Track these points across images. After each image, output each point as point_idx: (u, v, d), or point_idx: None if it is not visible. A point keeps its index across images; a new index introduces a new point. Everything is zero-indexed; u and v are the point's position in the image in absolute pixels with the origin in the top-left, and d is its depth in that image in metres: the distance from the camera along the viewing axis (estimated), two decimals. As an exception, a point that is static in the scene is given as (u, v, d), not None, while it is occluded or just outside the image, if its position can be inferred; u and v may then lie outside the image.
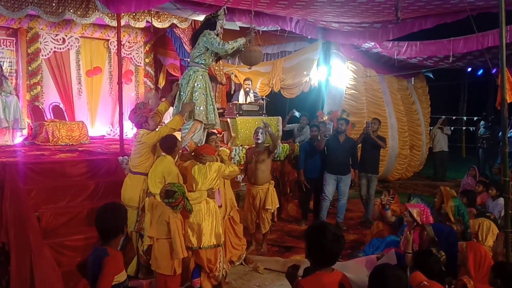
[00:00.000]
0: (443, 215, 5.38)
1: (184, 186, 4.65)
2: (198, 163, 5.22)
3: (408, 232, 4.86)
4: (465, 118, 16.92)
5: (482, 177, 8.11)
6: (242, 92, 9.22)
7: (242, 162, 7.22)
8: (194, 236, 4.97)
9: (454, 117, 14.92)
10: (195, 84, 5.83)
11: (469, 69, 13.41)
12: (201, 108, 5.81)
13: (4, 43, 9.63)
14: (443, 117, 13.11)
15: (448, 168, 12.66)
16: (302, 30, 9.31)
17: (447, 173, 12.51)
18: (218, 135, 6.43)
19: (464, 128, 16.77)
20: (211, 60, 6.05)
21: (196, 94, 5.79)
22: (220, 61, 7.80)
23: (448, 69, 11.63)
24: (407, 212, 4.93)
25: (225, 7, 6.18)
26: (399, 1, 4.34)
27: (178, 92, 5.95)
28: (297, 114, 9.45)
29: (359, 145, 8.12)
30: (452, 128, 13.52)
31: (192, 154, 5.51)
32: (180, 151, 5.55)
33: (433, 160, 12.65)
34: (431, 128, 13.02)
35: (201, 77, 5.86)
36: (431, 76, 13.39)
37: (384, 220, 6.11)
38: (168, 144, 5.15)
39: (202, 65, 5.93)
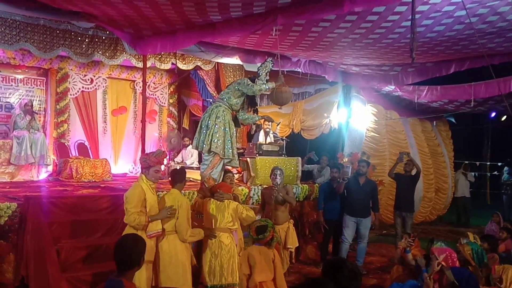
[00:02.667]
0: (463, 261, 5.25)
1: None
2: (215, 200, 5.26)
3: (428, 277, 4.75)
4: (488, 163, 16.61)
5: (506, 223, 7.89)
6: (262, 133, 9.31)
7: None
8: (211, 274, 4.97)
9: (478, 163, 14.67)
10: (216, 118, 5.93)
11: (493, 114, 13.28)
12: (219, 142, 5.87)
13: (35, 83, 10.01)
14: (466, 162, 12.93)
15: (472, 214, 12.36)
16: (323, 72, 9.45)
17: (471, 220, 12.19)
18: (235, 173, 6.46)
19: (488, 174, 16.45)
20: (237, 102, 6.14)
21: (216, 127, 5.88)
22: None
23: (470, 113, 11.57)
24: (433, 256, 4.83)
25: (270, 59, 6.34)
26: (414, 43, 4.42)
27: (199, 125, 6.06)
28: (314, 158, 9.52)
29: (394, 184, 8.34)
30: (475, 174, 13.29)
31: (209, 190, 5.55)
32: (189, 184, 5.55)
33: (456, 205, 12.40)
34: (454, 172, 12.83)
35: (222, 112, 5.97)
36: (453, 120, 13.31)
37: (405, 264, 5.96)
38: (177, 178, 5.11)
39: (227, 103, 6.05)
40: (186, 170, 5.57)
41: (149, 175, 4.85)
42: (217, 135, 5.87)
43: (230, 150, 5.96)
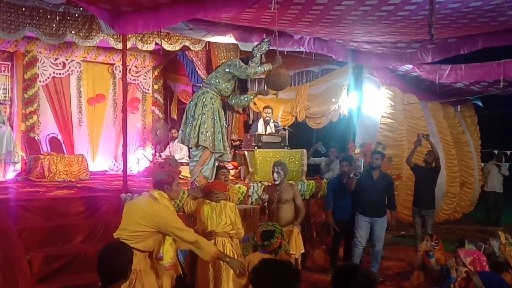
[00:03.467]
0: (497, 263, 5.27)
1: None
2: (209, 201, 5.26)
3: (453, 285, 4.79)
4: (522, 153, 16.62)
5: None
6: (261, 122, 9.31)
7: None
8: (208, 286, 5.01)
9: (509, 152, 14.69)
10: (203, 107, 5.90)
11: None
12: (208, 134, 5.84)
13: (-1, 68, 9.98)
14: (496, 151, 12.90)
15: (504, 211, 12.38)
16: (330, 51, 9.41)
17: (502, 217, 12.23)
18: (231, 169, 6.45)
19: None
20: (227, 87, 6.12)
21: (203, 117, 5.85)
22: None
23: (499, 96, 11.56)
24: (459, 259, 4.87)
25: (267, 39, 6.33)
26: (432, 17, 4.40)
27: (185, 116, 6.04)
28: (322, 150, 9.52)
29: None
30: (507, 164, 13.29)
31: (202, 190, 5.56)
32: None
33: (485, 201, 12.42)
34: (483, 164, 12.82)
35: (210, 99, 5.93)
36: (480, 104, 13.28)
37: (427, 270, 6.00)
38: None
39: (215, 88, 6.02)
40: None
41: (172, 192, 4.33)
42: (205, 126, 5.83)
43: (221, 143, 5.93)
